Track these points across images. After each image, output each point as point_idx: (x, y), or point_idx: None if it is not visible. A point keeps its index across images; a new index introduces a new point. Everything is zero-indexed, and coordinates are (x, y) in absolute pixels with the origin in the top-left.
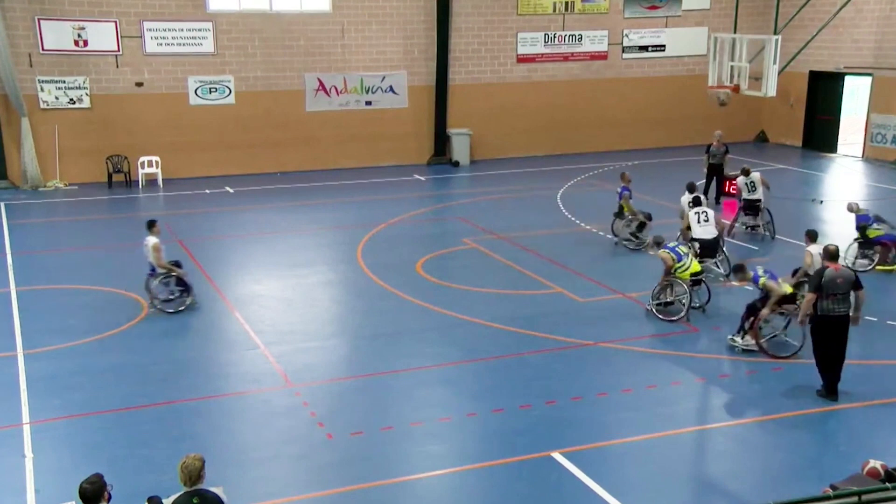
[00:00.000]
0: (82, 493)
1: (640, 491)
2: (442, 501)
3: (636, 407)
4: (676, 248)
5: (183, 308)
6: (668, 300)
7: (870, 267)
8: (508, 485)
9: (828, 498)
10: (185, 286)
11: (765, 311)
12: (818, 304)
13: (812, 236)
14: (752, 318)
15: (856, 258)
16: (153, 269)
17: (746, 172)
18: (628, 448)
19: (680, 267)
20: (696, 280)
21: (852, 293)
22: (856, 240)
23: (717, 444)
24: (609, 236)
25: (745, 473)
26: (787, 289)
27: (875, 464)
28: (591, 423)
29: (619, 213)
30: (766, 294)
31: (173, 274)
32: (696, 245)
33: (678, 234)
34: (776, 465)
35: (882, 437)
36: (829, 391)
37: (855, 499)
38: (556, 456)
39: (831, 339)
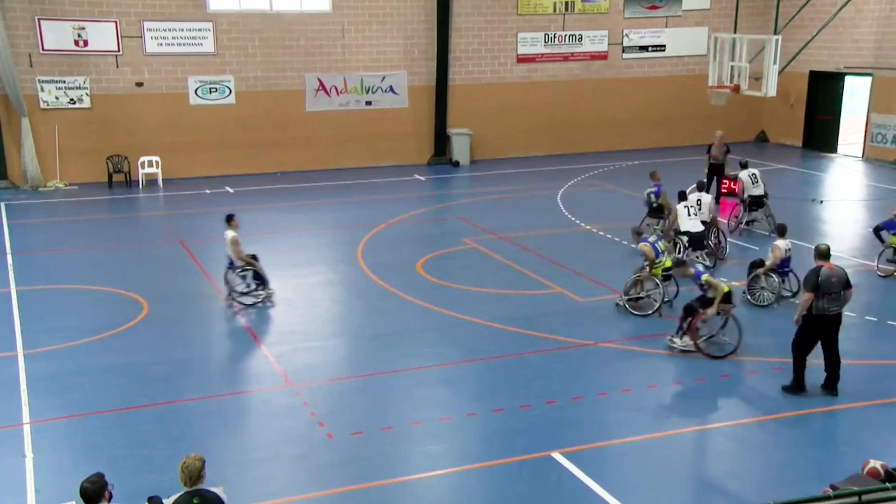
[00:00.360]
0: (83, 493)
1: (640, 491)
2: (442, 501)
3: (636, 407)
4: (656, 245)
5: (259, 301)
6: (640, 295)
7: (892, 273)
8: (508, 485)
9: (828, 498)
10: (261, 279)
11: (711, 311)
12: (812, 303)
13: (782, 231)
14: (689, 319)
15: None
16: (231, 262)
17: (745, 165)
18: (628, 448)
19: (656, 263)
20: (666, 275)
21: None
22: (886, 245)
23: (717, 444)
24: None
25: (745, 473)
26: (724, 288)
27: (875, 464)
28: (591, 423)
29: (656, 212)
30: (704, 293)
31: (251, 267)
32: (685, 238)
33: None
34: (776, 465)
35: (882, 437)
36: (799, 386)
37: (855, 499)
38: (556, 456)
39: (825, 338)
